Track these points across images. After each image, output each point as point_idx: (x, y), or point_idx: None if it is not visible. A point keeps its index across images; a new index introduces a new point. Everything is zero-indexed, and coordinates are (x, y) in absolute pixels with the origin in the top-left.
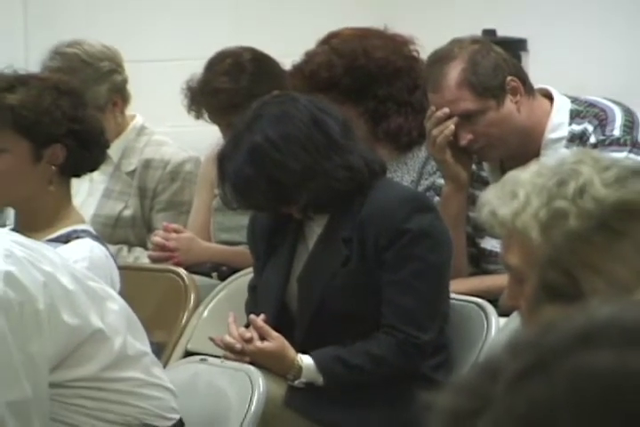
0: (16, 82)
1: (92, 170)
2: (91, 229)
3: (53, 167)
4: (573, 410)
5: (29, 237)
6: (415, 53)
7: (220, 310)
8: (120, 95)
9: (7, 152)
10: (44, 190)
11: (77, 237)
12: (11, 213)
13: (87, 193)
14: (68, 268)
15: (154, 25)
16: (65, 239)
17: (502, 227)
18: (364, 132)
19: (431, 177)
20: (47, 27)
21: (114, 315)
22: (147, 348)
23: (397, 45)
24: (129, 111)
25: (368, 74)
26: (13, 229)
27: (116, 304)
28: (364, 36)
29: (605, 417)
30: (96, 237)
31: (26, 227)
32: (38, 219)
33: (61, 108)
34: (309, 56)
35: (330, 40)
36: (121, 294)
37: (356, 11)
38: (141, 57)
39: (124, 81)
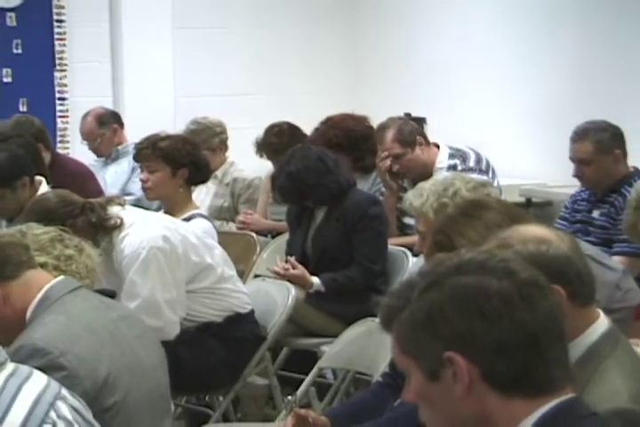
0: (167, 136)
1: (203, 182)
2: (202, 212)
3: (181, 180)
4: (453, 307)
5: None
6: (370, 125)
7: (272, 254)
8: (224, 145)
9: (158, 171)
10: (177, 192)
11: (194, 218)
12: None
13: (205, 193)
14: (194, 232)
15: (241, 112)
16: (188, 219)
17: (415, 211)
18: (349, 167)
19: (378, 185)
20: (190, 107)
21: (217, 256)
22: (234, 273)
23: (362, 121)
24: (227, 153)
25: (355, 139)
26: (165, 212)
27: (218, 250)
28: (346, 118)
29: (469, 311)
30: (205, 217)
31: (169, 212)
32: (175, 207)
33: (189, 151)
34: (320, 133)
35: (327, 122)
36: (220, 244)
37: (339, 101)
38: (235, 126)
39: (227, 138)
